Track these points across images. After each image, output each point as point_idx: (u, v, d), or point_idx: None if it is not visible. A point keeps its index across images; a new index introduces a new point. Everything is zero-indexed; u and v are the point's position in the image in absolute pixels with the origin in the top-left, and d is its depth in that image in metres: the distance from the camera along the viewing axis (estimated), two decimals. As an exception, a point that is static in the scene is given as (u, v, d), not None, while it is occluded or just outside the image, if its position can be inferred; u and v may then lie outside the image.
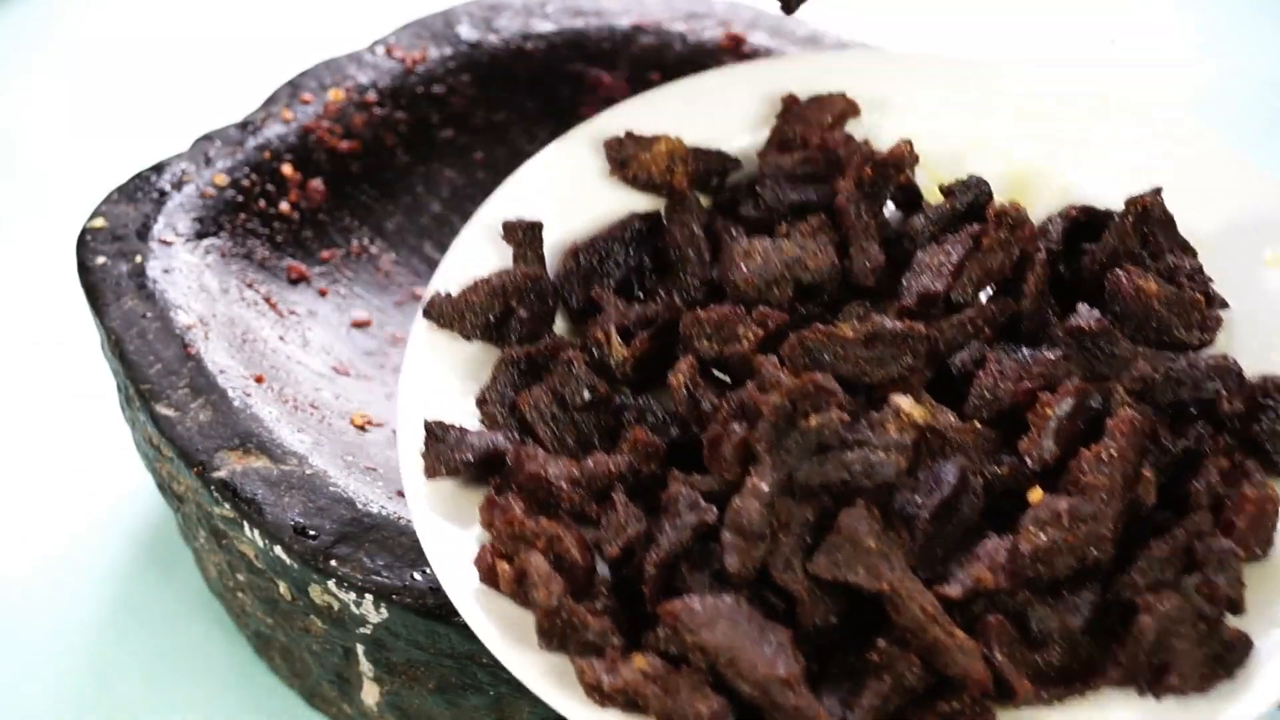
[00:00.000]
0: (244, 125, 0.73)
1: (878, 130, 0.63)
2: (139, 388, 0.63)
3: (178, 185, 0.70)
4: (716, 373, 0.57)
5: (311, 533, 0.59)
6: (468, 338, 0.58)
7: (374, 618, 0.58)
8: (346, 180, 0.74)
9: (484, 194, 0.76)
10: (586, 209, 0.61)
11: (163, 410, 0.62)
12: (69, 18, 1.00)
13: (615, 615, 0.50)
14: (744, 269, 0.57)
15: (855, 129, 0.63)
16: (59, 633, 0.69)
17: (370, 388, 0.68)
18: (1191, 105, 0.95)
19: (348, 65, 0.76)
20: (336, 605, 0.59)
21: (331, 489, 0.60)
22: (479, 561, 0.52)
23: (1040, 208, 0.61)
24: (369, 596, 0.58)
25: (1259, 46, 0.99)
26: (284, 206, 0.72)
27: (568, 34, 0.78)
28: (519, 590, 0.50)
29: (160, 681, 0.68)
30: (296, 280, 0.71)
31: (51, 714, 0.67)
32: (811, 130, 0.63)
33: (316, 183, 0.73)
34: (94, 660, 0.68)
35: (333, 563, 0.58)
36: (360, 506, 0.60)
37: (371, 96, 0.75)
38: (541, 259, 0.60)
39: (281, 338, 0.68)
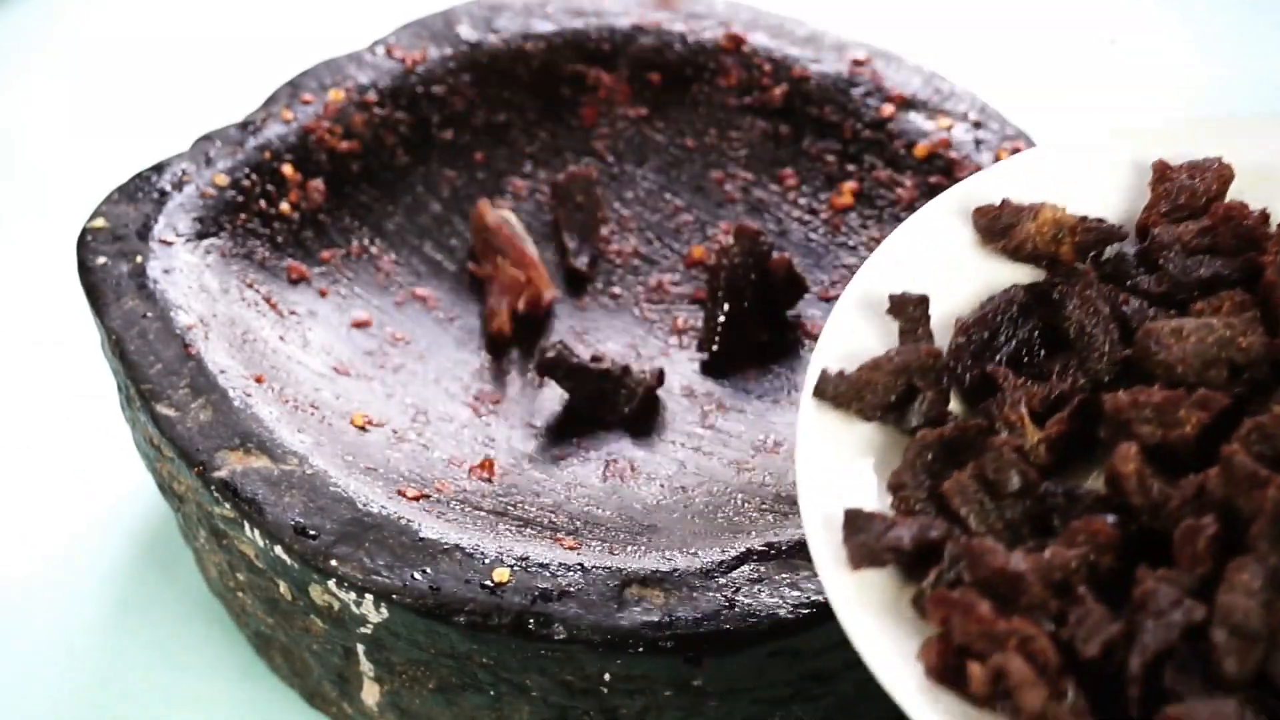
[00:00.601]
0: (244, 125, 0.73)
1: (1263, 198, 0.59)
2: (139, 388, 0.63)
3: (178, 185, 0.70)
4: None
5: (312, 532, 0.59)
6: (867, 418, 0.54)
7: (374, 617, 0.58)
8: (347, 180, 0.74)
9: (484, 194, 0.76)
10: (958, 282, 0.58)
11: (163, 410, 0.62)
12: (69, 18, 1.00)
13: (1090, 717, 0.48)
14: (1177, 349, 0.53)
15: (1238, 197, 0.59)
16: (59, 633, 0.69)
17: (371, 388, 0.68)
18: (1191, 105, 0.95)
19: (348, 65, 0.76)
20: (337, 605, 0.59)
21: (332, 489, 0.60)
22: (925, 657, 0.49)
23: None
24: (369, 596, 0.58)
25: (1259, 46, 0.99)
26: (284, 207, 0.72)
27: (568, 34, 0.78)
28: (992, 692, 0.48)
29: (160, 681, 0.68)
30: (297, 280, 0.71)
31: (52, 714, 0.67)
32: (1195, 199, 0.58)
33: (317, 183, 0.73)
34: (94, 660, 0.68)
35: (333, 562, 0.58)
36: (361, 506, 0.60)
37: (372, 97, 0.75)
38: (932, 335, 0.56)
39: (282, 338, 0.68)
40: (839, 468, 0.53)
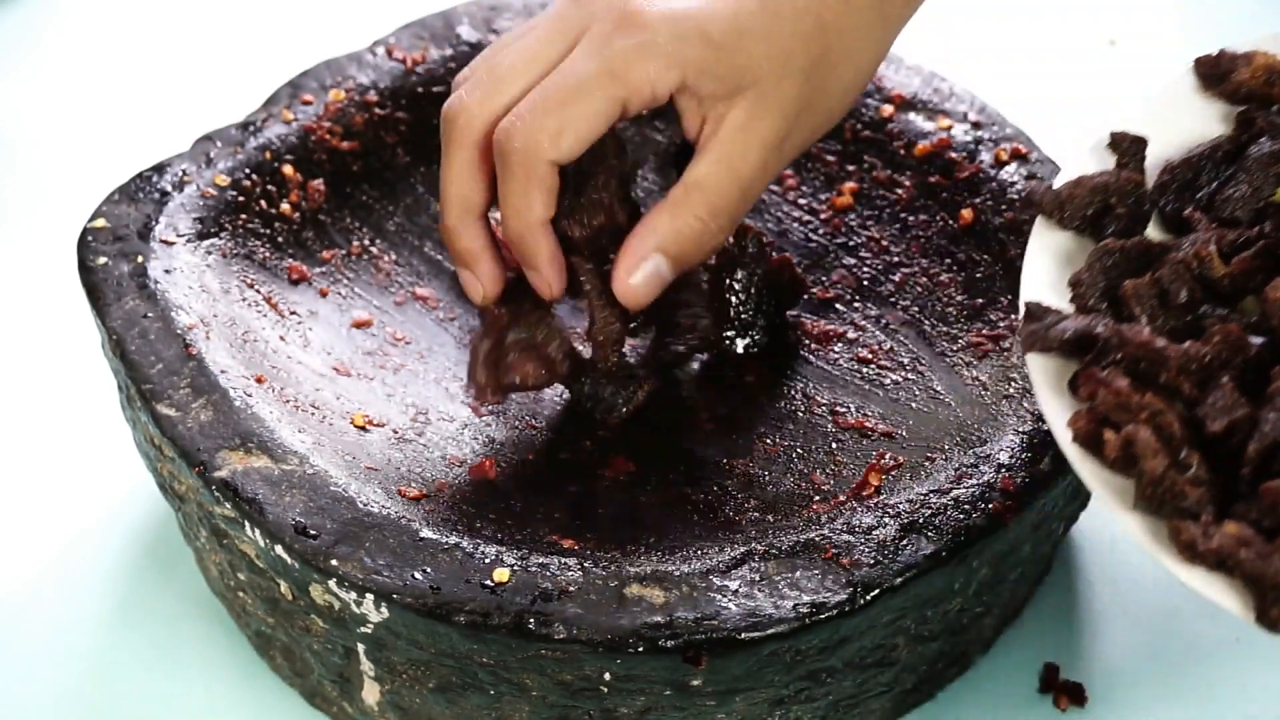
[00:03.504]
0: (245, 125, 0.73)
1: None
2: (140, 388, 0.63)
3: (179, 185, 0.70)
4: None
5: (312, 532, 0.59)
6: (1065, 227, 0.62)
7: (374, 617, 0.58)
8: (347, 181, 0.74)
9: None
10: (1180, 127, 0.65)
11: (164, 410, 0.62)
12: (69, 17, 1.00)
13: (1207, 486, 0.54)
14: None
15: None
16: (60, 632, 0.69)
17: (371, 388, 0.68)
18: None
19: (348, 65, 0.76)
20: (337, 605, 0.59)
21: (332, 489, 0.60)
22: (1074, 424, 0.56)
23: None
24: (369, 596, 0.58)
25: (1258, 47, 0.98)
26: (285, 207, 0.72)
27: (568, 34, 0.78)
28: (1122, 457, 0.55)
29: (161, 681, 0.68)
30: (297, 280, 0.71)
31: (52, 713, 0.67)
32: None
33: (317, 183, 0.73)
34: (95, 660, 0.69)
35: (333, 562, 0.58)
36: (361, 506, 0.60)
37: (372, 97, 0.75)
38: (1143, 170, 0.63)
39: (282, 338, 0.68)
40: (1038, 268, 0.62)
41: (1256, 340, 0.57)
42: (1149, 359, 0.56)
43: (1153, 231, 0.63)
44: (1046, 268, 0.62)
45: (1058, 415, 0.57)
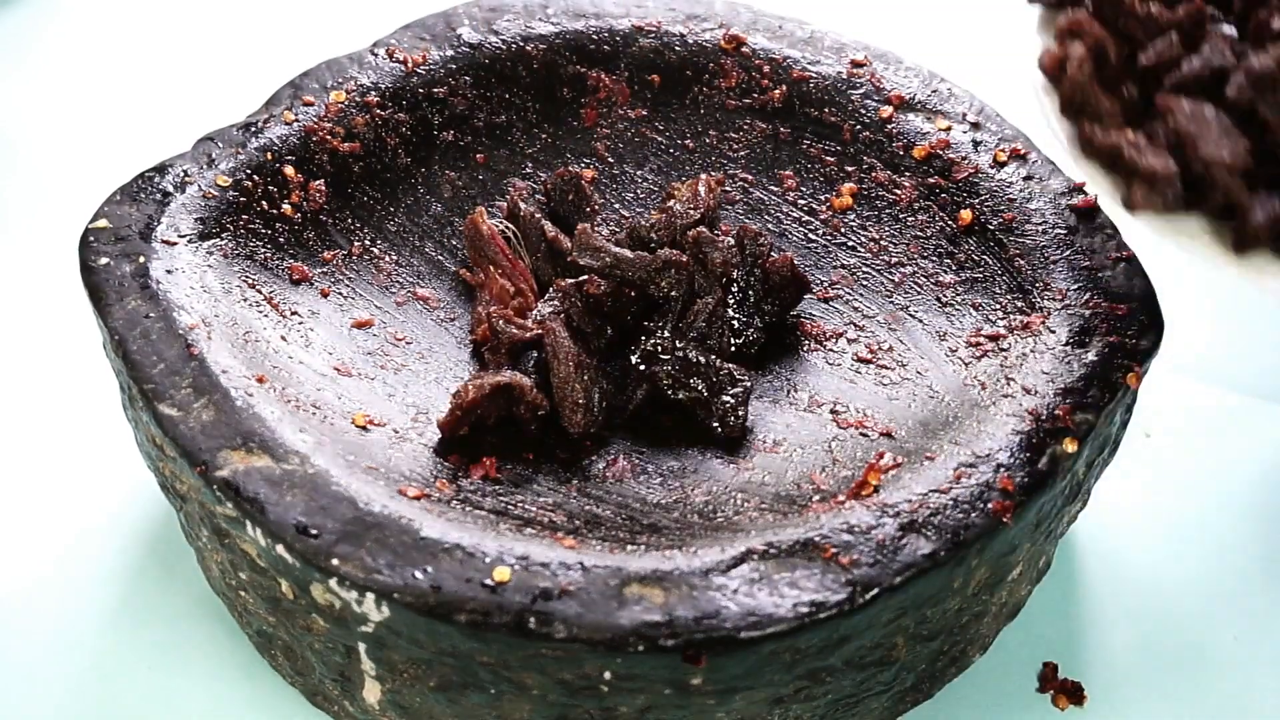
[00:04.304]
0: (246, 126, 0.73)
1: None
2: (142, 388, 0.63)
3: (180, 186, 0.70)
4: None
5: (313, 532, 0.59)
6: None
7: (375, 616, 0.58)
8: (348, 181, 0.74)
9: (485, 195, 0.77)
10: None
11: (166, 410, 0.62)
12: (69, 17, 1.00)
13: (1126, 108, 0.62)
14: None
15: None
16: (62, 632, 0.70)
17: (372, 388, 0.68)
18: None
19: (349, 66, 0.76)
20: (338, 604, 0.59)
21: (333, 488, 0.60)
22: (1041, 58, 0.65)
23: None
24: (370, 595, 0.58)
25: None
26: (286, 208, 0.72)
27: (568, 36, 0.78)
28: (1059, 70, 0.62)
29: (163, 680, 0.68)
30: (298, 281, 0.71)
31: (54, 712, 0.67)
32: None
33: (318, 184, 0.73)
34: (97, 659, 0.69)
35: (334, 561, 0.58)
36: (362, 506, 0.60)
37: (373, 98, 0.75)
38: None
39: (284, 338, 0.68)
40: None
41: (1225, 29, 0.63)
42: (1113, 3, 0.63)
43: None
44: None
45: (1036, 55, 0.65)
